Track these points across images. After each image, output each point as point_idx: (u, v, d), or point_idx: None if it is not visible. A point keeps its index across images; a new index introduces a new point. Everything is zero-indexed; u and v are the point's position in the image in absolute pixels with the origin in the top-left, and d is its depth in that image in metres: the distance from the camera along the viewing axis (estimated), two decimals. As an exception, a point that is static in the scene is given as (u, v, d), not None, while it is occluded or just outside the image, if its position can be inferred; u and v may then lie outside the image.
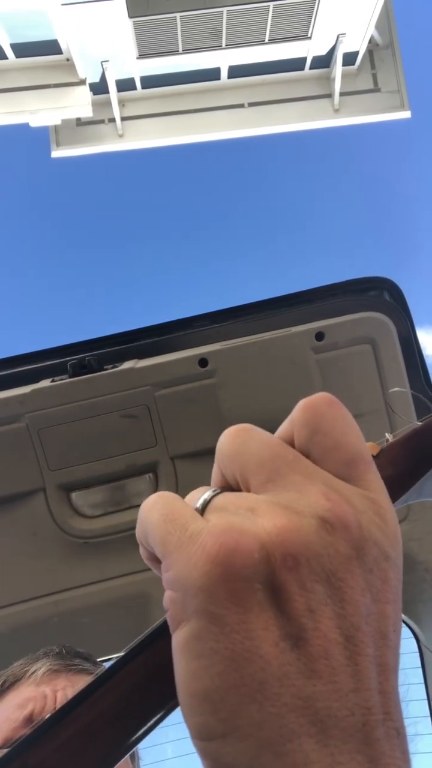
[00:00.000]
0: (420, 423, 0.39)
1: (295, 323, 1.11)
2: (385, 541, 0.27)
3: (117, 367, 1.10)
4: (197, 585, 0.25)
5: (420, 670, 1.25)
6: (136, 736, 0.27)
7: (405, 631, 1.24)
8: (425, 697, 1.24)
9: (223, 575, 0.24)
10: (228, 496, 0.29)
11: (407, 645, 1.24)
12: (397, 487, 0.36)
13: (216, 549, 0.25)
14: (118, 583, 1.16)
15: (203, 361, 1.09)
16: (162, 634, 0.28)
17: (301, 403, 0.31)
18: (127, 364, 1.10)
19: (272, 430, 0.32)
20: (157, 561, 0.30)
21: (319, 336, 1.10)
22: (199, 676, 0.24)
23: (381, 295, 1.15)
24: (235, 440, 0.30)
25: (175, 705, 0.27)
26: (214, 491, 0.29)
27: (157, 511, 0.29)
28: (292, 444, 0.31)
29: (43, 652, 0.87)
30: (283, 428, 0.32)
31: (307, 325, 1.11)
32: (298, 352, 1.11)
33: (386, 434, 0.38)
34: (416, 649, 1.25)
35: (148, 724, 0.27)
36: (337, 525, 0.26)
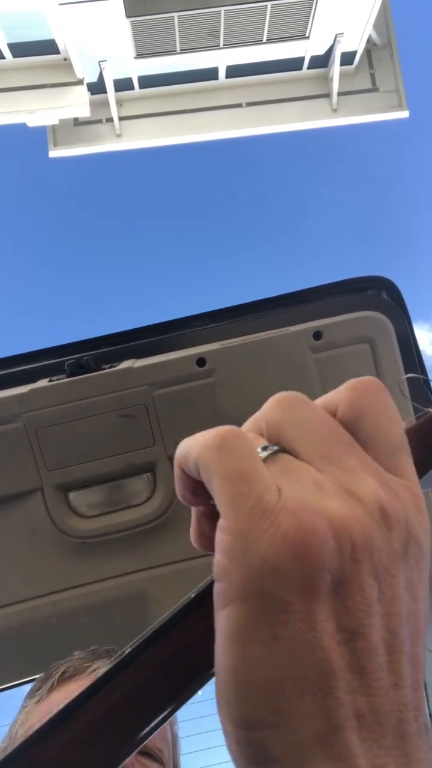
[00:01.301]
0: None
1: (293, 322, 1.11)
2: (423, 536, 0.27)
3: (115, 366, 1.09)
4: (269, 564, 0.23)
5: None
6: (147, 729, 0.26)
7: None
8: (426, 698, 1.24)
9: (300, 559, 0.23)
10: (290, 460, 0.27)
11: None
12: None
13: (294, 530, 0.24)
14: (117, 582, 1.16)
15: (201, 361, 1.09)
16: (174, 626, 0.28)
17: (350, 384, 0.30)
18: (125, 364, 1.10)
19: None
20: (192, 488, 0.29)
21: (317, 335, 1.10)
22: (257, 664, 0.23)
23: (379, 294, 1.15)
24: (289, 408, 0.29)
25: (187, 697, 0.27)
26: (272, 448, 0.28)
27: (231, 457, 0.26)
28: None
29: (105, 650, 0.89)
30: (327, 404, 0.30)
31: (304, 324, 1.11)
32: (296, 351, 1.10)
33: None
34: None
35: (159, 717, 0.27)
36: (394, 521, 0.26)
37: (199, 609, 0.27)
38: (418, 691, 0.25)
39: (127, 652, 0.27)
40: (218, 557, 0.25)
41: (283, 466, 0.27)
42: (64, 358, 1.10)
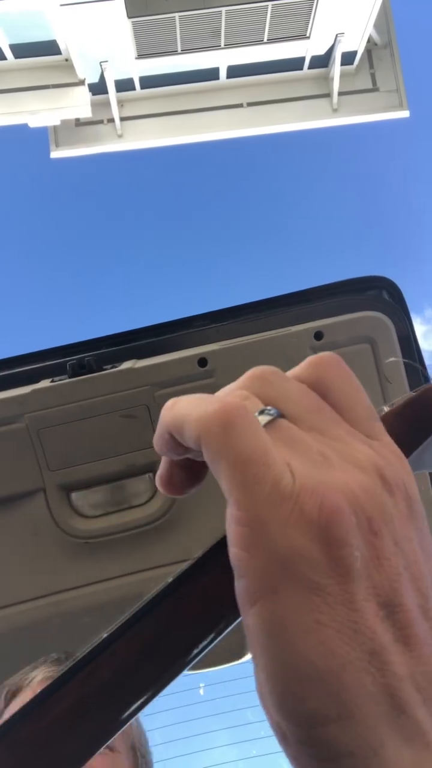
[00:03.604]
0: (415, 392, 0.38)
1: (294, 323, 1.11)
2: (417, 496, 0.27)
3: (116, 367, 1.10)
4: (298, 551, 0.22)
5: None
6: (130, 711, 0.26)
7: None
8: None
9: (329, 541, 0.22)
10: (291, 429, 0.26)
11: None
12: None
13: (317, 512, 0.23)
14: (119, 583, 1.16)
15: (203, 361, 1.09)
16: (160, 605, 0.27)
17: (311, 361, 0.30)
18: (127, 364, 1.10)
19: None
20: (175, 447, 0.27)
21: (318, 335, 1.10)
22: (309, 657, 0.22)
23: (380, 294, 1.15)
24: (271, 381, 0.29)
25: (171, 678, 0.26)
26: (269, 412, 0.27)
27: (240, 439, 0.24)
28: None
29: (43, 660, 0.89)
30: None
31: (306, 324, 1.11)
32: (297, 351, 1.10)
33: (383, 406, 0.38)
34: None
35: (142, 699, 0.26)
36: (393, 485, 0.25)
37: (176, 593, 0.27)
38: None
39: (104, 636, 0.27)
40: (237, 551, 0.23)
41: (285, 434, 0.26)
42: (65, 359, 1.10)
